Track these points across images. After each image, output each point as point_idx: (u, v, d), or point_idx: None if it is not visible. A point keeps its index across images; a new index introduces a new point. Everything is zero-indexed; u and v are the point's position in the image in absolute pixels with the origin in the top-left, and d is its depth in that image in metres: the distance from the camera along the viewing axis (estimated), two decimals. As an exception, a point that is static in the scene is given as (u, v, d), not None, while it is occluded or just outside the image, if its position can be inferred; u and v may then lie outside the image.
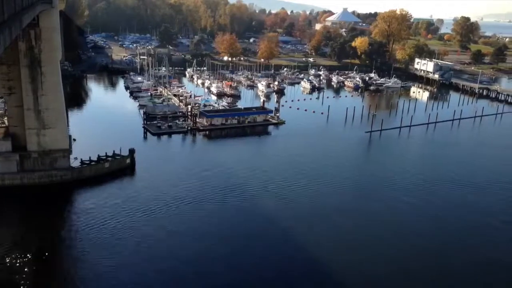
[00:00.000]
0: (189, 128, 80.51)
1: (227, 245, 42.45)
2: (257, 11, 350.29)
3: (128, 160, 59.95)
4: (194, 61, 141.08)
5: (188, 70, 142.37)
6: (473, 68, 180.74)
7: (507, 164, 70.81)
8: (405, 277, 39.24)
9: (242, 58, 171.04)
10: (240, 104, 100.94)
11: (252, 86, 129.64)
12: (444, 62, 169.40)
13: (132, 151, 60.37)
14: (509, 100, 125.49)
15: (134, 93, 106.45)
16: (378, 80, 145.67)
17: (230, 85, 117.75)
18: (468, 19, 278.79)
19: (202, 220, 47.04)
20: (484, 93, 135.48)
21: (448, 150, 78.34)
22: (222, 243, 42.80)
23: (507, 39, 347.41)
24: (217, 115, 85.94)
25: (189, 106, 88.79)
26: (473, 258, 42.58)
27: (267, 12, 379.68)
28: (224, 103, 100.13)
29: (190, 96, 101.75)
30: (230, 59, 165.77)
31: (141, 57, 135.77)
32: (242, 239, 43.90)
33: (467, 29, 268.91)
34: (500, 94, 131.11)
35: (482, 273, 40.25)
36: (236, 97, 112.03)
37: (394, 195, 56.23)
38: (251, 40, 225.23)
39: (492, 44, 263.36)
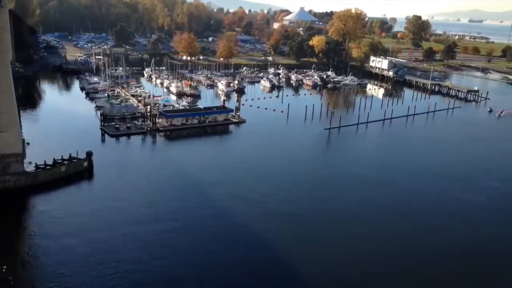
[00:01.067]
0: (148, 129, 79.25)
1: (189, 247, 42.28)
2: (215, 10, 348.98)
3: (85, 163, 58.38)
4: (152, 60, 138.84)
5: (146, 69, 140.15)
6: (425, 65, 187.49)
7: (459, 156, 74.10)
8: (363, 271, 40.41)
9: (201, 58, 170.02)
10: (201, 104, 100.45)
11: (212, 86, 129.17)
12: (398, 59, 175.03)
13: (89, 154, 58.82)
14: (459, 95, 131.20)
15: (90, 94, 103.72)
16: (336, 78, 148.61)
17: (190, 85, 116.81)
18: (419, 17, 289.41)
19: (161, 224, 46.10)
20: (436, 89, 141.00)
21: (403, 145, 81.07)
22: (184, 245, 42.59)
23: (456, 37, 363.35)
24: (177, 115, 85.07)
25: (148, 107, 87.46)
26: (435, 242, 44.51)
27: (225, 11, 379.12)
28: (184, 103, 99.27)
29: (149, 96, 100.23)
30: (189, 58, 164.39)
31: (97, 57, 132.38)
32: (205, 240, 43.74)
33: (418, 27, 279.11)
34: (451, 90, 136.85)
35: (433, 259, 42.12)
36: (196, 96, 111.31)
37: (355, 189, 57.78)
38: (210, 39, 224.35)
39: (443, 42, 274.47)
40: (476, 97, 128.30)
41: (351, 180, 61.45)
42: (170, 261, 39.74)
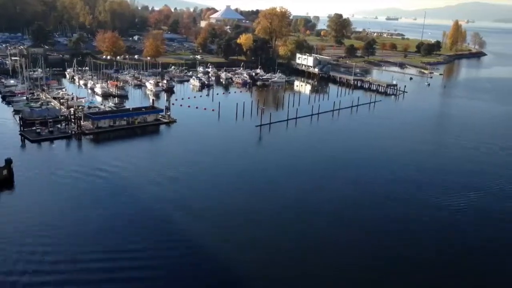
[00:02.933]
0: (73, 132, 75.80)
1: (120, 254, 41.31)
2: (139, 8, 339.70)
3: (4, 172, 54.61)
4: (74, 60, 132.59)
5: (68, 70, 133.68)
6: (347, 61, 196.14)
7: (381, 145, 78.69)
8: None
9: (127, 57, 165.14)
10: (128, 105, 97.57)
11: (140, 85, 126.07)
12: (322, 56, 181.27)
13: (8, 162, 55.04)
14: (379, 89, 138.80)
15: (7, 98, 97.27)
16: (264, 76, 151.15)
17: (116, 85, 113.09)
18: (340, 16, 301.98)
19: (88, 234, 44.15)
20: (359, 84, 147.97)
21: (330, 138, 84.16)
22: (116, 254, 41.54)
23: (375, 34, 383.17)
24: (104, 117, 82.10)
25: (72, 109, 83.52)
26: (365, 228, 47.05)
27: (150, 9, 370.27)
28: (110, 104, 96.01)
29: (72, 98, 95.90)
30: (114, 58, 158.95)
31: (13, 58, 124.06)
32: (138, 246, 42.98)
33: (340, 25, 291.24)
34: (372, 85, 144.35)
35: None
36: (124, 97, 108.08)
37: (290, 184, 59.19)
38: (135, 37, 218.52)
39: (363, 39, 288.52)
40: (395, 90, 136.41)
41: (285, 173, 62.87)
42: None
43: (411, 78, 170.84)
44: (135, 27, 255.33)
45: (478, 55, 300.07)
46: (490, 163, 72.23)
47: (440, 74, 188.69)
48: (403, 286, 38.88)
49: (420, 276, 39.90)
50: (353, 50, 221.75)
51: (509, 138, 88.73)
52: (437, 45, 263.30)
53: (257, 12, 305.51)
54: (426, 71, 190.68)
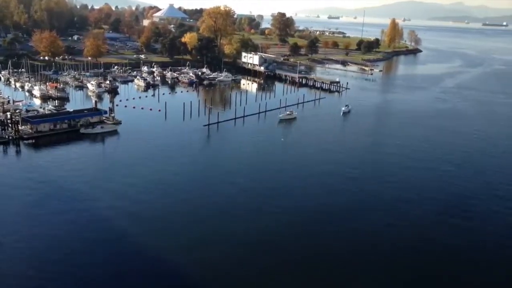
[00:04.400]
0: (10, 137, 72.11)
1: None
2: (78, 6, 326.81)
3: None
4: (9, 62, 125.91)
5: (3, 72, 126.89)
6: (292, 59, 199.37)
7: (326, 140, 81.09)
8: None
9: (66, 57, 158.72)
10: (70, 107, 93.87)
11: (81, 87, 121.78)
12: (267, 55, 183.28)
13: None
14: (323, 87, 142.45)
15: None
16: (211, 75, 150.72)
17: (56, 87, 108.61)
18: (284, 15, 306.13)
19: (31, 246, 42.40)
20: (304, 81, 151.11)
21: (277, 135, 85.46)
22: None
23: (317, 33, 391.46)
24: (44, 120, 78.78)
25: (8, 113, 79.29)
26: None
27: (89, 7, 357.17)
28: (50, 106, 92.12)
29: (9, 102, 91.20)
30: (52, 58, 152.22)
31: None
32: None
33: (284, 24, 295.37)
34: (316, 82, 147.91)
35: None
36: (64, 99, 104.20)
37: (238, 182, 59.56)
38: (75, 37, 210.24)
39: (306, 38, 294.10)
40: (338, 87, 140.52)
41: (235, 170, 63.31)
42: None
43: (373, 72, 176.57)
44: (75, 27, 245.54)
45: (415, 51, 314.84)
46: (416, 151, 76.61)
47: (380, 71, 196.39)
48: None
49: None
50: (297, 48, 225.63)
51: (439, 128, 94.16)
52: (376, 43, 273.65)
53: (201, 10, 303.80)
54: (366, 68, 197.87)
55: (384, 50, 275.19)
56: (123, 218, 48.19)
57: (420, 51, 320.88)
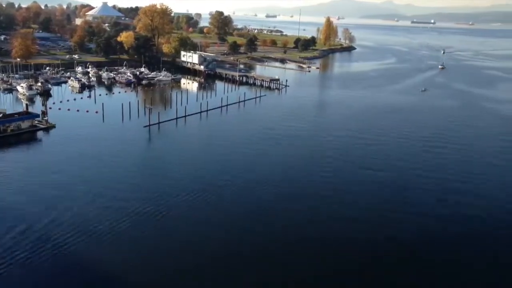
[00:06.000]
0: None
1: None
2: (4, 5, 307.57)
3: None
4: None
5: None
6: (232, 58, 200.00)
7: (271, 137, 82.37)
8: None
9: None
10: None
11: (11, 89, 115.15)
12: (207, 53, 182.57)
13: None
14: (264, 84, 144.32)
15: None
16: (149, 74, 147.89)
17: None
18: (222, 13, 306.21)
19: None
20: (244, 80, 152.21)
21: (221, 134, 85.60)
22: None
23: (255, 31, 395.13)
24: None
25: None
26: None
27: (16, 6, 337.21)
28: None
29: None
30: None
31: None
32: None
33: (222, 22, 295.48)
34: (256, 80, 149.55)
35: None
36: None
37: (180, 184, 59.11)
38: (2, 37, 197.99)
39: (244, 36, 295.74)
40: (278, 85, 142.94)
41: (177, 171, 62.76)
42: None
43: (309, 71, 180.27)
44: (1, 26, 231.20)
45: (349, 49, 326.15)
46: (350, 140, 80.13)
47: (317, 68, 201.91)
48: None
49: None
50: (236, 47, 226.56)
51: (371, 122, 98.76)
52: (312, 41, 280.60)
53: (137, 9, 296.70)
54: (304, 66, 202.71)
55: (320, 48, 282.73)
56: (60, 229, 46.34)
57: (354, 48, 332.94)
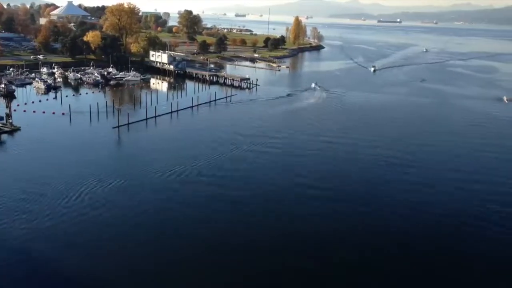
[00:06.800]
0: None
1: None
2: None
3: None
4: None
5: None
6: (201, 57, 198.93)
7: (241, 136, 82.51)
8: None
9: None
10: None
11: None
12: (176, 53, 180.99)
13: None
14: (234, 84, 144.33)
15: None
16: (118, 74, 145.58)
17: None
18: (190, 12, 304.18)
19: None
20: (214, 79, 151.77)
21: (192, 134, 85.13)
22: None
23: (225, 30, 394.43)
24: None
25: None
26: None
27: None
28: None
29: None
30: None
31: None
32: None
33: (191, 21, 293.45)
34: (227, 80, 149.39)
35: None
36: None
37: (150, 185, 58.64)
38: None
39: (214, 35, 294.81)
40: (249, 84, 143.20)
41: (148, 172, 62.09)
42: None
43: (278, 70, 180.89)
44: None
45: (318, 48, 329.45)
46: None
47: (287, 67, 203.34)
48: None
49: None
50: (206, 46, 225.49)
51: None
52: (282, 40, 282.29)
53: (103, 8, 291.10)
54: (274, 65, 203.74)
55: (290, 47, 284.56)
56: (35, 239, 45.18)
57: (323, 47, 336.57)
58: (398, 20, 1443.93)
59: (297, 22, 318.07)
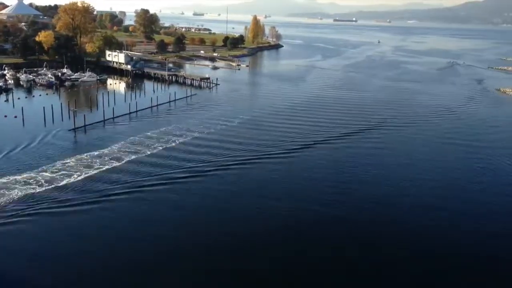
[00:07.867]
0: None
1: None
2: None
3: None
4: None
5: None
6: (160, 57, 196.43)
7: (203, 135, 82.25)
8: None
9: None
10: None
11: None
12: (134, 53, 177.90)
13: None
14: (194, 83, 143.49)
15: None
16: (73, 75, 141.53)
17: None
18: (147, 11, 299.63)
19: None
20: (174, 79, 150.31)
21: (151, 134, 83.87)
22: None
23: (183, 29, 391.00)
24: None
25: None
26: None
27: None
28: None
29: None
30: None
31: None
32: None
33: (148, 20, 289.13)
34: (187, 79, 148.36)
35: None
36: None
37: (110, 186, 57.58)
38: None
39: (172, 34, 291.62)
40: (209, 83, 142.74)
41: (106, 176, 60.87)
42: None
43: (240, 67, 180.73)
44: None
45: (277, 46, 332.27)
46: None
47: (247, 66, 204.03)
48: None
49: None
50: (164, 45, 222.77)
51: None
52: (241, 39, 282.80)
53: (56, 7, 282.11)
54: (234, 64, 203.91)
55: (248, 46, 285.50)
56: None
57: (282, 46, 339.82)
58: (354, 19, 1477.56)
59: (256, 21, 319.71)
